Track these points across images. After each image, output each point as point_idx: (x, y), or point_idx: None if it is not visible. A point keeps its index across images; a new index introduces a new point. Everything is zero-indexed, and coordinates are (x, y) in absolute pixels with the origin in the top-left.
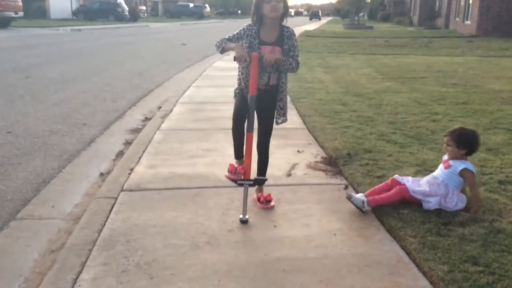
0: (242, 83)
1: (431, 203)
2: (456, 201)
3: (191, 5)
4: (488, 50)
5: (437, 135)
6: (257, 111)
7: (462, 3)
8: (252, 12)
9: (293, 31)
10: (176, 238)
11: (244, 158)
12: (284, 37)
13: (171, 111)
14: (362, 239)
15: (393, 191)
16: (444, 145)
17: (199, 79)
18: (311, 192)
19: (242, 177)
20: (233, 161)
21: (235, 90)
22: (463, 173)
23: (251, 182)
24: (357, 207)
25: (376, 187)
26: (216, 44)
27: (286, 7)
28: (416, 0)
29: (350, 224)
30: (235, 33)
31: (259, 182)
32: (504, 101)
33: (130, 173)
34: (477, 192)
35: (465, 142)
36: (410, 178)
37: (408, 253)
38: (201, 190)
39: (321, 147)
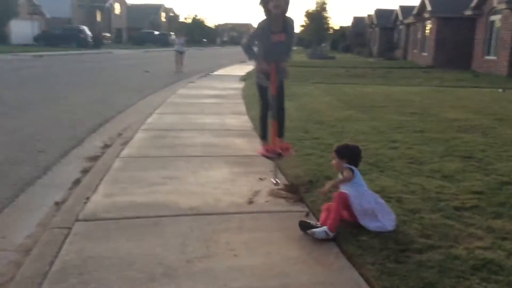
0: (263, 80)
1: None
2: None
3: (156, 32)
4: (444, 81)
5: (396, 162)
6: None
7: (419, 36)
8: (263, 9)
9: (292, 21)
10: (132, 270)
11: (272, 139)
12: (287, 25)
13: (132, 138)
14: (322, 267)
15: (333, 202)
16: (333, 162)
17: (162, 106)
18: (273, 219)
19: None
20: (194, 189)
21: (259, 87)
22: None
23: (279, 156)
24: (324, 239)
25: (322, 217)
26: (245, 50)
27: (284, 5)
28: (376, 32)
29: (311, 252)
30: (253, 33)
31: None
32: (459, 130)
33: (86, 202)
34: (341, 180)
35: (344, 152)
36: None
37: (367, 280)
38: (160, 219)
39: (283, 174)
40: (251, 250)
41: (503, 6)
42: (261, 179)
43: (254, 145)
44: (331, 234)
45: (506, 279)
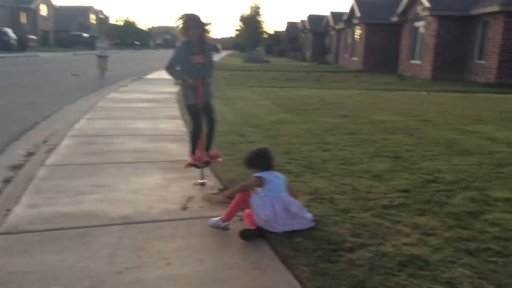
0: (191, 99)
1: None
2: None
3: (85, 35)
4: (373, 84)
5: (328, 164)
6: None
7: (349, 41)
8: (182, 34)
9: (211, 45)
10: (57, 285)
11: (200, 149)
12: (206, 49)
13: (58, 145)
14: (257, 271)
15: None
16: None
17: (91, 111)
18: (207, 225)
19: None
20: (125, 196)
21: (189, 106)
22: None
23: (206, 164)
24: (217, 227)
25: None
26: (169, 72)
27: (202, 31)
28: (309, 37)
29: (245, 256)
30: (174, 57)
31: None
32: (387, 131)
33: (7, 214)
34: (240, 188)
35: (252, 161)
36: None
37: (300, 282)
38: (88, 229)
39: (218, 179)
40: (184, 257)
41: (426, 13)
42: (195, 184)
43: (189, 150)
44: (222, 224)
45: (432, 274)
